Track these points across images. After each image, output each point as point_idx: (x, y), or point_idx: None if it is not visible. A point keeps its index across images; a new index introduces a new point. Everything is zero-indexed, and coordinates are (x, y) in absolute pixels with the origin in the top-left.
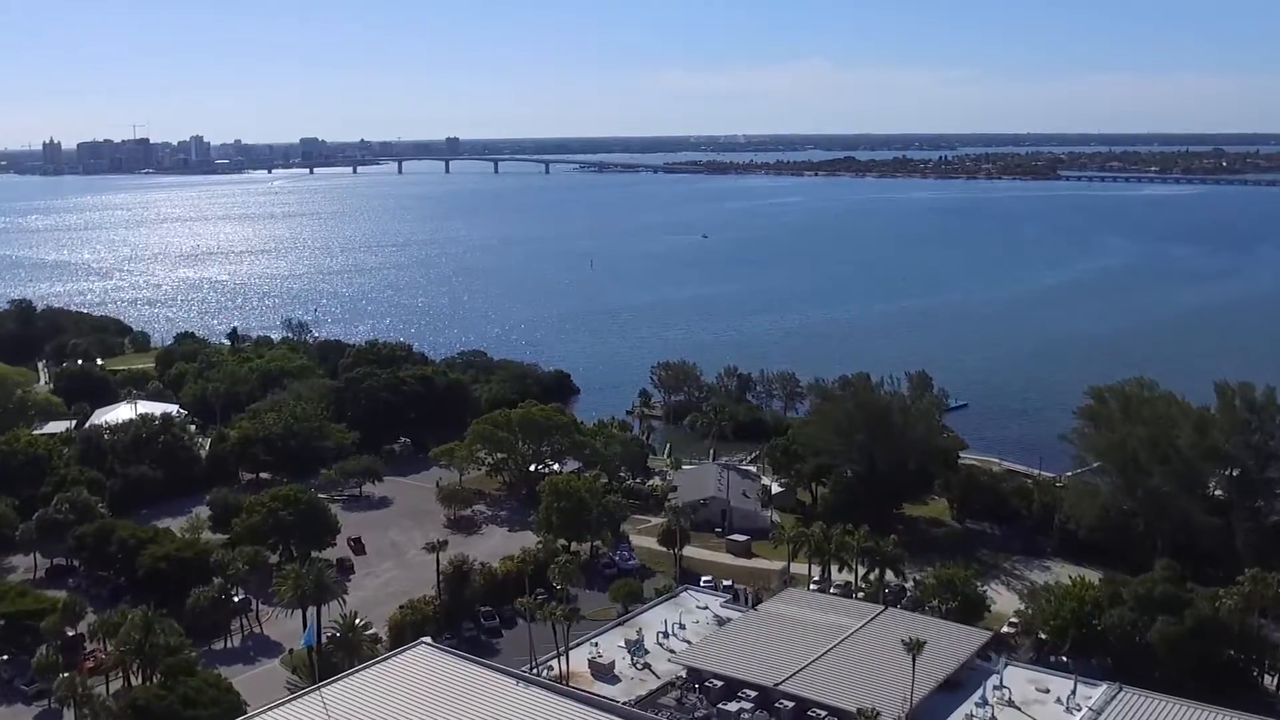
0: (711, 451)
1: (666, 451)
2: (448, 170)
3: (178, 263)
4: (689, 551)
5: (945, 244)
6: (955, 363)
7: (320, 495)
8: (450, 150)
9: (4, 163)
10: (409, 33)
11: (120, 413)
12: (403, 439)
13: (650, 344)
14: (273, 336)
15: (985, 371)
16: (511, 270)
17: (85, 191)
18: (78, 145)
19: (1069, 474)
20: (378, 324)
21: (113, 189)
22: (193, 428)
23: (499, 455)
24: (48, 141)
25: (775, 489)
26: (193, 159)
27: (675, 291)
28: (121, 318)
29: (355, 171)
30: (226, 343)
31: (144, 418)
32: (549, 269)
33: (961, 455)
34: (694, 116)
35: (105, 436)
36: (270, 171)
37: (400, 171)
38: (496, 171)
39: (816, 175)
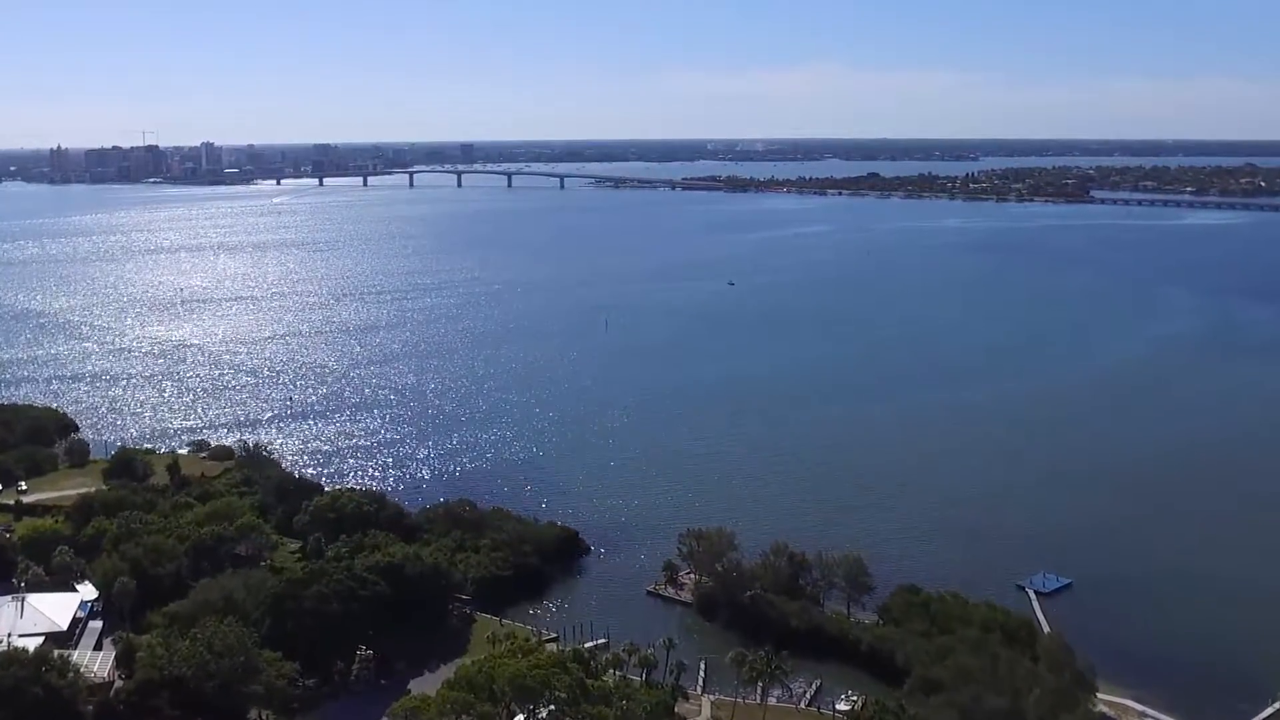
0: (760, 689)
1: (700, 685)
2: (459, 184)
3: (153, 314)
4: None
5: (991, 294)
6: (1038, 502)
7: None
8: (464, 157)
9: (13, 168)
10: (425, 34)
11: (2, 617)
12: (361, 653)
13: (674, 462)
14: (231, 446)
15: (1081, 520)
16: (516, 336)
17: (87, 207)
18: (85, 153)
19: None
20: (353, 425)
21: (115, 204)
22: (91, 644)
23: None
24: (54, 148)
25: None
26: (202, 168)
27: (701, 368)
28: (70, 404)
29: (365, 183)
30: (169, 472)
31: (9, 660)
32: (558, 331)
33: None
34: (710, 119)
35: None
36: (279, 183)
37: (411, 185)
38: (510, 185)
39: (840, 194)
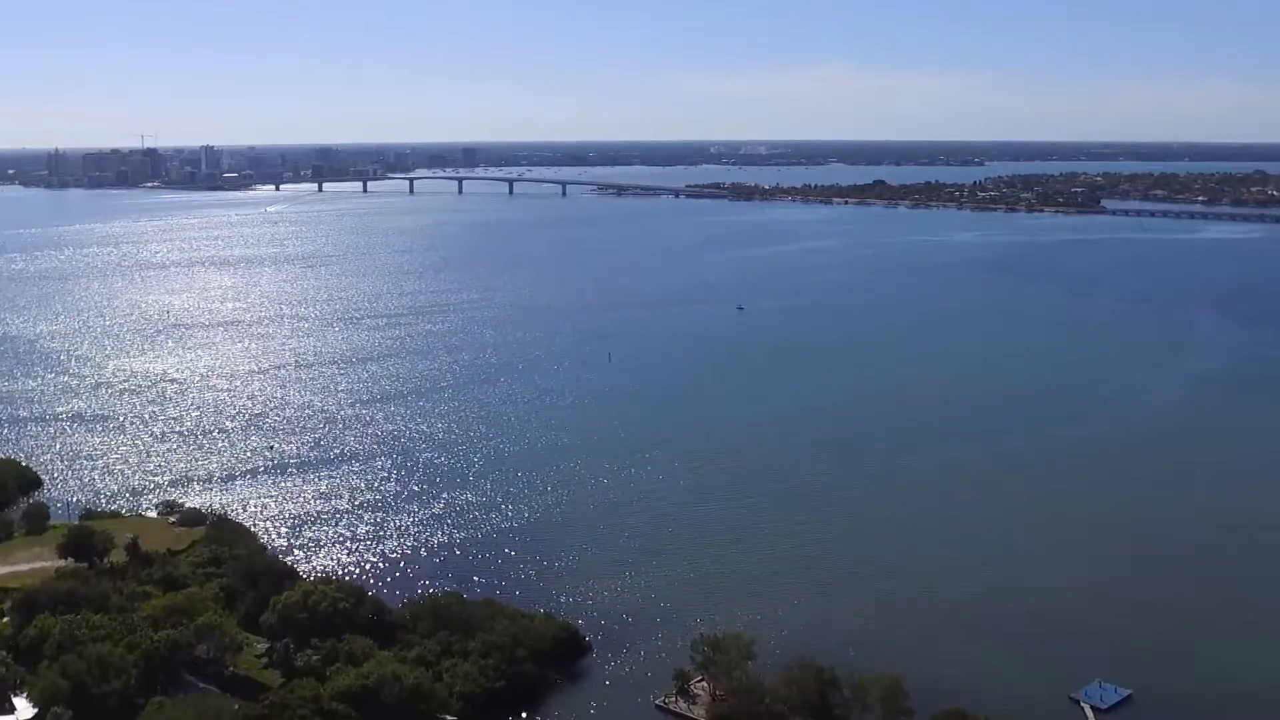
0: None
1: None
2: (460, 190)
3: (135, 342)
4: None
5: (1017, 324)
6: (1088, 587)
7: None
8: (466, 160)
9: (11, 171)
10: (428, 35)
11: None
12: None
13: (680, 533)
14: (202, 509)
15: (1138, 610)
16: (512, 371)
17: (81, 215)
18: (83, 157)
19: None
20: (334, 482)
21: (110, 212)
22: None
23: None
24: (53, 151)
25: None
26: (201, 172)
27: (708, 413)
28: (34, 454)
29: (365, 189)
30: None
31: None
32: (558, 365)
33: None
34: (713, 121)
35: None
36: (278, 188)
37: (412, 191)
38: (511, 193)
39: (846, 203)
